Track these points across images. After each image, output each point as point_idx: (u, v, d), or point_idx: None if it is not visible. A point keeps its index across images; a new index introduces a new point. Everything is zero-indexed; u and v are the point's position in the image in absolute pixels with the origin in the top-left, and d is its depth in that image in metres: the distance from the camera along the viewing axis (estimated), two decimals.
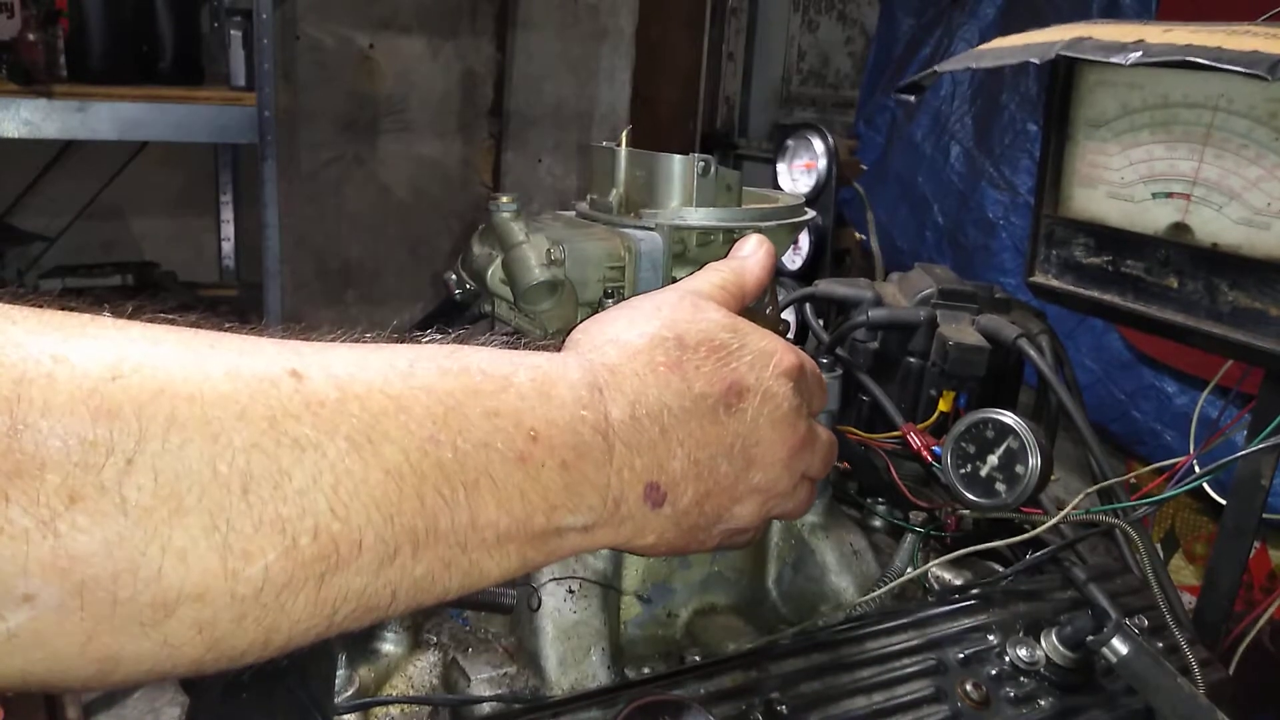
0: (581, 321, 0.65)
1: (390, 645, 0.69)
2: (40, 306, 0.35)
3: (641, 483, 0.46)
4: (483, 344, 0.46)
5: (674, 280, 0.70)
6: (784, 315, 0.99)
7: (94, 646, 0.33)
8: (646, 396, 0.47)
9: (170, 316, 0.39)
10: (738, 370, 0.50)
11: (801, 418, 0.54)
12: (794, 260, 1.28)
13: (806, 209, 0.77)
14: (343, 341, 0.42)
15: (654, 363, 0.48)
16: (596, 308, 0.69)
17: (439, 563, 0.40)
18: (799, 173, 1.27)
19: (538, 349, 0.48)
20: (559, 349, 0.50)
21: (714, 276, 0.57)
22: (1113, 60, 0.73)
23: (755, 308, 0.72)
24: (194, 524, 0.33)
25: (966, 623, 0.68)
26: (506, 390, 0.43)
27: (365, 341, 0.43)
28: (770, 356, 0.52)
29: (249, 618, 0.35)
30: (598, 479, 0.45)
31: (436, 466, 0.39)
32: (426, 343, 0.44)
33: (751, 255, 0.60)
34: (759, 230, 0.72)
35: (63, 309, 0.36)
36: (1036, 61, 0.79)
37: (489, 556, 0.42)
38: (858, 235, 1.30)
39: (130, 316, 0.38)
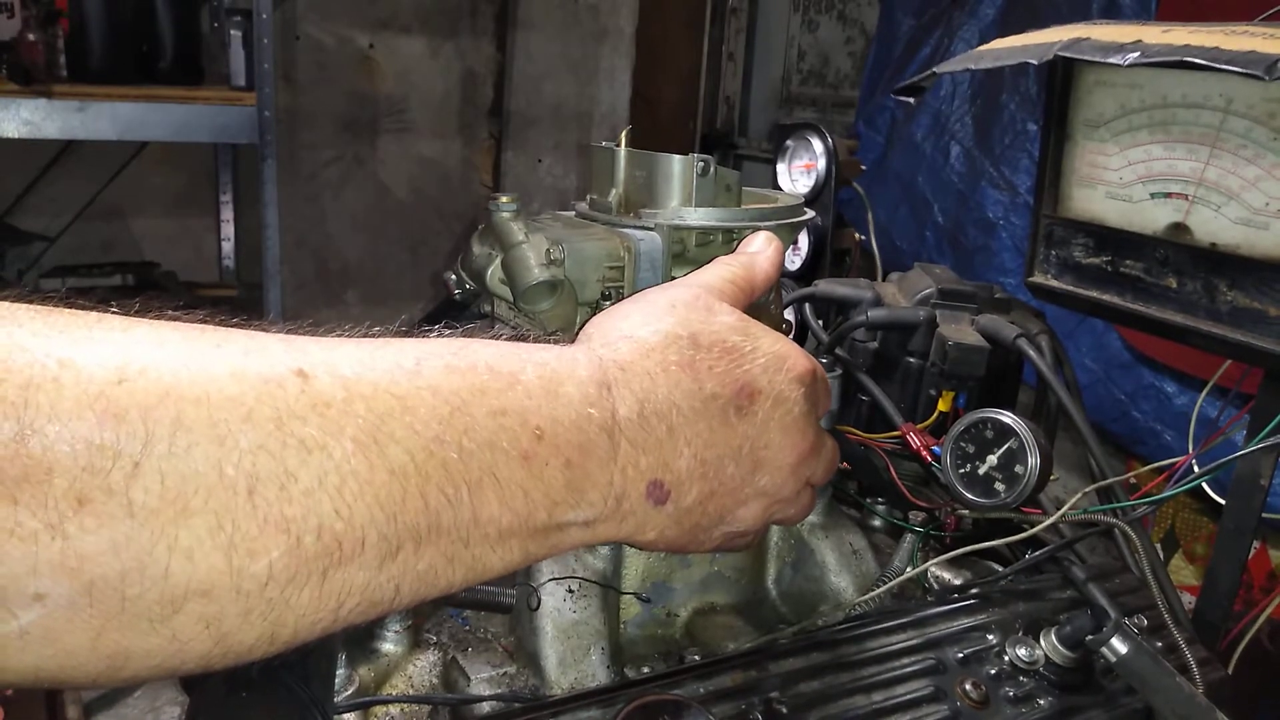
0: (581, 321, 0.65)
1: (390, 645, 0.69)
2: (49, 305, 0.36)
3: (645, 480, 0.46)
4: (491, 338, 0.46)
5: (673, 280, 0.70)
6: (784, 315, 0.99)
7: (104, 643, 0.33)
8: (656, 395, 0.47)
9: (176, 314, 0.39)
10: (750, 372, 0.50)
11: (811, 424, 0.53)
12: (794, 260, 1.28)
13: (806, 209, 0.77)
14: (350, 337, 0.42)
15: (666, 361, 0.48)
16: (595, 308, 0.69)
17: (441, 558, 0.40)
18: (799, 173, 1.27)
19: (547, 343, 0.48)
20: (571, 343, 0.50)
21: (725, 271, 0.57)
22: (1111, 61, 0.73)
23: (761, 304, 0.72)
24: (200, 525, 0.33)
25: (966, 622, 0.68)
26: (513, 388, 0.43)
27: (373, 336, 0.43)
28: (783, 360, 0.52)
29: (255, 612, 0.35)
30: (601, 476, 0.45)
31: (441, 466, 0.39)
32: (434, 338, 0.44)
33: (761, 252, 0.60)
34: (758, 229, 0.72)
35: (70, 306, 0.36)
36: (1035, 62, 0.79)
37: (491, 551, 0.42)
38: (857, 235, 1.30)
39: (137, 314, 0.38)
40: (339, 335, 0.42)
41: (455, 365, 0.42)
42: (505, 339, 0.47)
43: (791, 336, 0.90)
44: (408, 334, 0.44)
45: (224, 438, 0.34)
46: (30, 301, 0.35)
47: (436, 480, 0.39)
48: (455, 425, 0.40)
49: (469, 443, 0.40)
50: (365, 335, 0.43)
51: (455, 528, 0.40)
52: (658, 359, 0.48)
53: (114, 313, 0.37)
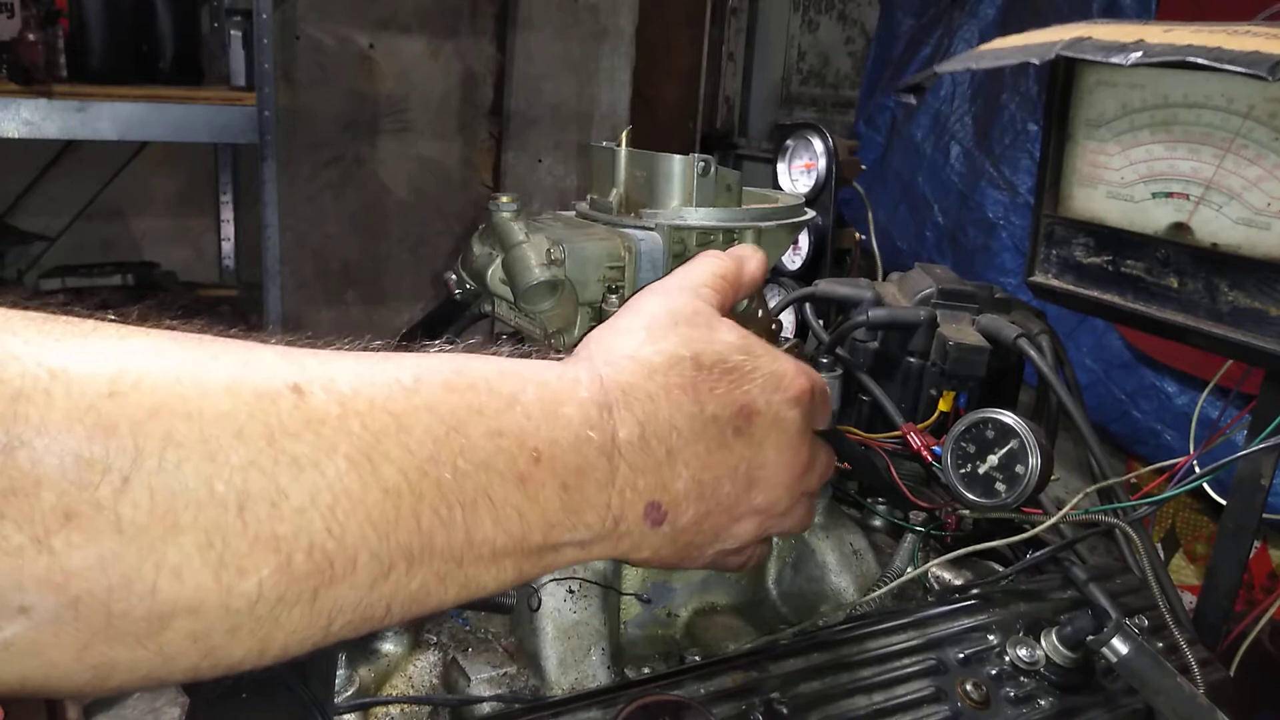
0: (581, 321, 0.65)
1: (390, 645, 0.69)
2: (46, 310, 0.35)
3: (643, 502, 0.46)
4: (493, 354, 0.46)
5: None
6: (784, 315, 0.99)
7: (89, 655, 0.33)
8: (657, 418, 0.47)
9: (174, 324, 0.38)
10: (749, 393, 0.50)
11: (806, 442, 0.54)
12: (794, 260, 1.28)
13: (806, 209, 0.77)
14: (350, 350, 0.42)
15: (668, 384, 0.48)
16: (596, 309, 0.69)
17: (434, 577, 0.40)
18: (799, 173, 1.27)
19: (549, 358, 0.48)
20: (572, 348, 0.50)
21: (715, 265, 0.57)
22: (1113, 60, 0.73)
23: (749, 312, 0.71)
24: (189, 542, 0.33)
25: (966, 622, 0.68)
26: (512, 409, 0.42)
27: (373, 349, 0.43)
28: (780, 380, 0.52)
29: (243, 630, 0.35)
30: (598, 499, 0.45)
31: (435, 486, 0.39)
32: (436, 353, 0.44)
33: (750, 253, 0.60)
34: (759, 230, 0.72)
35: (68, 313, 0.36)
36: (1036, 62, 0.79)
37: (484, 571, 0.42)
38: (858, 235, 1.30)
39: (137, 322, 0.37)
40: (338, 348, 0.42)
41: (454, 384, 0.42)
42: (506, 353, 0.47)
43: (790, 336, 0.90)
44: (408, 347, 0.44)
45: (215, 454, 0.34)
46: (29, 305, 0.35)
47: (430, 500, 0.39)
48: (451, 445, 0.40)
49: (464, 463, 0.40)
50: (365, 348, 0.43)
51: (449, 548, 0.40)
52: (660, 381, 0.48)
53: (111, 320, 0.36)
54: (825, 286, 0.96)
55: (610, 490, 0.45)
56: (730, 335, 0.52)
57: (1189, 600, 0.86)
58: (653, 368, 0.48)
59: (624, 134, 0.74)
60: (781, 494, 0.53)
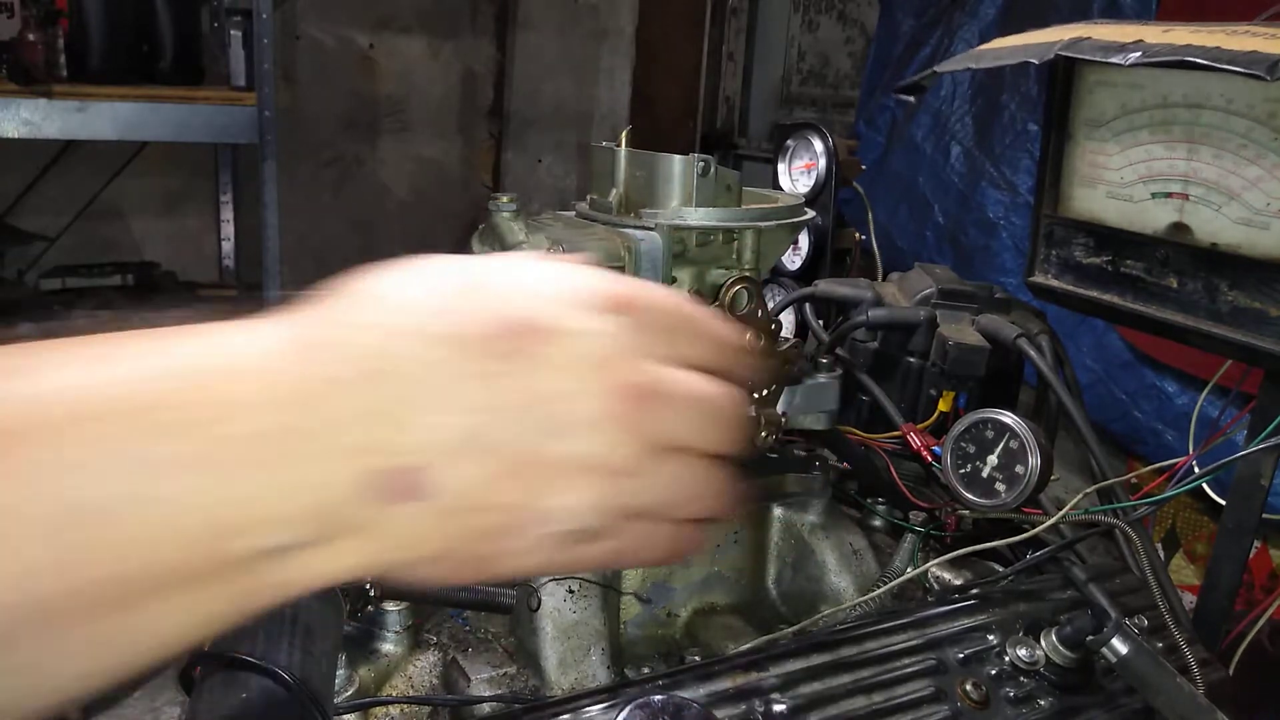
0: None
1: (390, 645, 0.69)
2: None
3: (362, 466, 0.32)
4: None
5: (673, 281, 0.71)
6: (784, 315, 0.99)
7: None
8: (379, 349, 0.34)
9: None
10: (518, 305, 0.36)
11: (637, 360, 0.37)
12: (794, 260, 1.28)
13: (806, 209, 0.77)
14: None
15: (403, 307, 0.35)
16: None
17: (35, 649, 0.29)
18: (799, 173, 1.27)
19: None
20: None
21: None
22: (1112, 60, 0.73)
23: (746, 313, 0.71)
24: None
25: (966, 623, 0.68)
26: (148, 379, 0.31)
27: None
28: (573, 285, 0.37)
29: None
30: (288, 476, 0.31)
31: (18, 506, 0.28)
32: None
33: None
34: (759, 230, 0.72)
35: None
36: (1036, 62, 0.79)
37: (136, 619, 0.30)
38: (858, 235, 1.30)
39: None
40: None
41: (71, 354, 0.31)
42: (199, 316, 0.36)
43: (790, 336, 0.90)
44: None
45: None
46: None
47: (12, 526, 0.28)
48: (44, 438, 0.29)
49: (70, 460, 0.29)
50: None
51: (64, 595, 0.29)
52: (377, 304, 0.36)
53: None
54: (825, 286, 0.96)
55: (305, 457, 0.32)
56: (503, 261, 0.39)
57: (1189, 600, 0.86)
58: (381, 295, 0.36)
59: (624, 134, 0.74)
60: (606, 433, 0.36)
